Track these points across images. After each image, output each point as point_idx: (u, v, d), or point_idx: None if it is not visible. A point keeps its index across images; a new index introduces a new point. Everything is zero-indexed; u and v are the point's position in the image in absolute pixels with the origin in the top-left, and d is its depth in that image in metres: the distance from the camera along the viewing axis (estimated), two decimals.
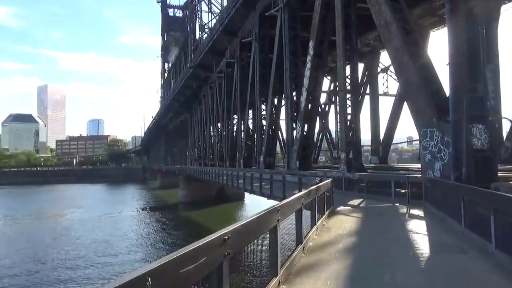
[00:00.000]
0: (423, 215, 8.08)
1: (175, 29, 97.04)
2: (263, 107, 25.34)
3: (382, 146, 25.85)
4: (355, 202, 10.72)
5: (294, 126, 18.71)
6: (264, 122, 23.93)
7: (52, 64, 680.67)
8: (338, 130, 14.74)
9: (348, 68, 14.71)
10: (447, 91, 9.46)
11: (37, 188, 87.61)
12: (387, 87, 26.97)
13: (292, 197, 4.73)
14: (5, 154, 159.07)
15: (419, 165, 18.16)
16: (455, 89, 8.62)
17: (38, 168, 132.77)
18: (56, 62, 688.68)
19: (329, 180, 8.78)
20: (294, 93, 19.06)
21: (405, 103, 25.75)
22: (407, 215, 8.33)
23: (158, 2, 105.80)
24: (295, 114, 18.80)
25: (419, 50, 10.41)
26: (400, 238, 5.84)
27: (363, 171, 13.59)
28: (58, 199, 64.40)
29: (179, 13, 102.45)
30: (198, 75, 42.24)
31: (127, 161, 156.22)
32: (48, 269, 18.77)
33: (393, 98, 26.13)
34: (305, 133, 17.73)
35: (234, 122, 32.04)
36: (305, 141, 17.75)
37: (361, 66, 27.95)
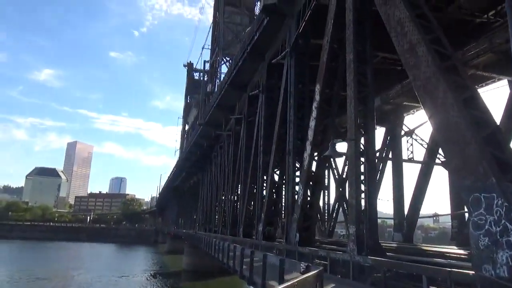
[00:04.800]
0: None
1: (198, 92, 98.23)
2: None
3: (407, 221, 21.76)
4: None
5: (296, 189, 15.21)
6: (265, 185, 20.51)
7: (86, 123, 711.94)
8: (347, 195, 11.17)
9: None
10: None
11: (46, 244, 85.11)
12: (412, 152, 23.42)
13: None
14: (22, 207, 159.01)
15: (458, 249, 13.95)
16: None
17: (51, 224, 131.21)
18: (90, 122, 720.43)
19: (310, 274, 5.13)
20: (298, 149, 15.81)
21: (433, 170, 22.21)
22: None
23: (184, 66, 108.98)
24: (297, 174, 15.41)
25: (461, 79, 7.12)
26: None
27: (380, 254, 9.70)
28: (62, 259, 61.83)
29: (206, 78, 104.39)
30: (208, 133, 39.99)
31: (141, 222, 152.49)
32: None
33: (419, 165, 22.60)
34: (308, 199, 14.11)
35: (238, 185, 28.72)
36: (307, 209, 14.06)
37: (382, 130, 24.96)
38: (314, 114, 13.43)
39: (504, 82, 18.40)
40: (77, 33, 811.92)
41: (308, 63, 17.10)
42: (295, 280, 4.40)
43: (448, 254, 11.40)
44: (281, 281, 7.20)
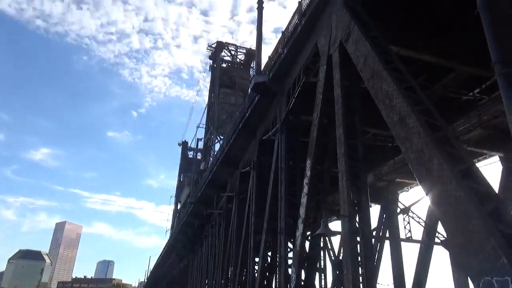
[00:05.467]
0: None
1: (191, 170, 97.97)
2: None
3: None
4: None
5: (289, 272, 14.08)
6: (257, 267, 19.19)
7: (78, 202, 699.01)
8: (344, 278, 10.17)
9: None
10: None
11: None
12: (409, 231, 22.48)
13: None
14: None
15: None
16: None
17: None
18: (82, 201, 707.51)
19: None
20: (290, 228, 14.97)
21: (433, 250, 21.10)
22: None
23: (179, 145, 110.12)
24: (290, 256, 14.41)
25: (456, 151, 6.78)
26: None
27: None
28: None
29: (199, 156, 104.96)
30: (199, 212, 38.80)
31: None
32: None
33: (418, 245, 21.53)
34: (302, 283, 12.98)
35: (229, 267, 27.03)
36: None
37: (377, 208, 24.28)
38: (305, 190, 12.92)
39: (496, 158, 18.28)
40: (77, 114, 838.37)
41: (299, 139, 17.04)
42: None
43: None
44: None
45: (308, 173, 12.83)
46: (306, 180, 12.91)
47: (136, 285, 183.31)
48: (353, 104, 11.33)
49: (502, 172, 17.49)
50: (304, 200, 12.86)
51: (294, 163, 16.59)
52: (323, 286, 28.61)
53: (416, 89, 8.18)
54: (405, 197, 23.83)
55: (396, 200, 23.41)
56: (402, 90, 8.02)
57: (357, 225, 10.39)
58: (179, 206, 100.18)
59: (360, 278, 9.51)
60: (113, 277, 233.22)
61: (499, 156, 17.91)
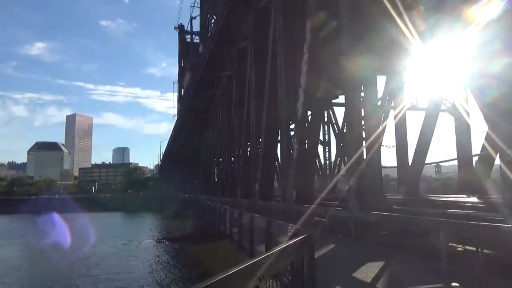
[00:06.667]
0: None
1: (192, 54, 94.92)
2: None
3: (411, 172, 20.58)
4: (369, 272, 5.66)
5: (292, 142, 13.93)
6: (260, 142, 19.26)
7: (84, 95, 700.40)
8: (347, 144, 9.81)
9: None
10: None
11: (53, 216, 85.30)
12: (415, 100, 21.88)
13: None
14: (26, 182, 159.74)
15: (469, 198, 12.82)
16: None
17: (56, 196, 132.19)
18: (87, 93, 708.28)
19: (296, 240, 3.89)
20: (290, 100, 14.35)
21: (439, 116, 20.80)
22: None
23: (175, 29, 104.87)
24: (292, 127, 14.11)
25: None
26: None
27: (386, 209, 8.52)
28: (70, 229, 62.16)
29: (197, 39, 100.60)
30: (202, 94, 38.35)
31: (146, 189, 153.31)
32: None
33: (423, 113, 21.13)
34: (304, 152, 12.85)
35: (236, 147, 27.52)
36: (304, 164, 12.84)
37: (381, 80, 23.28)
38: (305, 57, 11.89)
39: None
40: (65, 4, 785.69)
41: (297, 4, 15.34)
42: (277, 249, 3.16)
43: (462, 204, 10.23)
44: (268, 246, 6.06)
45: (308, 37, 11.64)
46: (306, 46, 11.79)
47: (152, 167, 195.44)
48: None
49: None
50: (304, 67, 11.94)
51: (291, 23, 15.16)
52: (327, 157, 29.61)
53: None
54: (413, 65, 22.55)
55: (402, 69, 22.27)
56: None
57: (361, 94, 9.66)
58: (182, 92, 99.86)
59: (364, 142, 9.13)
60: (130, 162, 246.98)
61: None
